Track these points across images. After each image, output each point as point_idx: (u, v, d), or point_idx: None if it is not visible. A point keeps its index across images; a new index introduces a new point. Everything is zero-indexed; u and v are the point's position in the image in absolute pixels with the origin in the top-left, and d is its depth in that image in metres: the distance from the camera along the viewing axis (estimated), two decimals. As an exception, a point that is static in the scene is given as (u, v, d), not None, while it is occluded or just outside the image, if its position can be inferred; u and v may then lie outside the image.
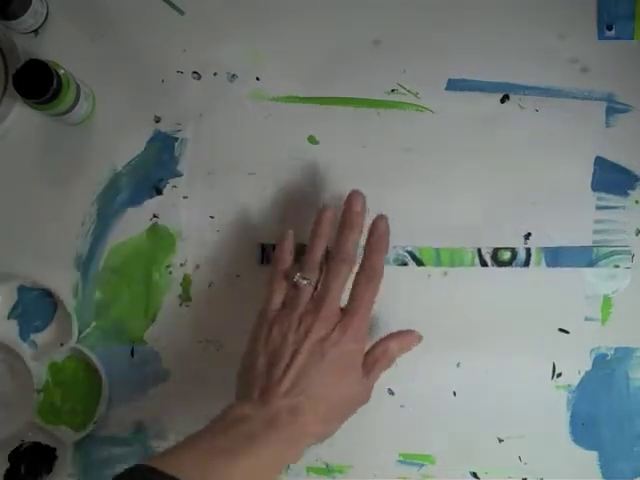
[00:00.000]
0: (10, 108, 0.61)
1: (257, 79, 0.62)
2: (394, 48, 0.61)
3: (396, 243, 0.60)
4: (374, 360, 0.54)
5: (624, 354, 0.60)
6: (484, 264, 0.60)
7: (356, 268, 0.54)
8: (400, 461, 0.60)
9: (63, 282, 0.61)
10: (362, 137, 0.61)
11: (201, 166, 0.62)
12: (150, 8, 0.62)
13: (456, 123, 0.61)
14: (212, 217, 0.61)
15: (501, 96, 0.61)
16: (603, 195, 0.60)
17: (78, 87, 0.58)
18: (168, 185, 0.62)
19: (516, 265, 0.60)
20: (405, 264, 0.60)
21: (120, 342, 0.61)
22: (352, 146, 0.61)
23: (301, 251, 0.56)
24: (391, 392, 0.60)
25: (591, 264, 0.60)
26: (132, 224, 0.61)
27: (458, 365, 0.60)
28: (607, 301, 0.60)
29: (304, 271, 0.54)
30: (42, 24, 0.62)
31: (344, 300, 0.54)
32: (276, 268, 0.55)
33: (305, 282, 0.53)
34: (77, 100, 0.58)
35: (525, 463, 0.60)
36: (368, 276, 0.53)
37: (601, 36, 0.61)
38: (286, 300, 0.54)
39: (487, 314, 0.60)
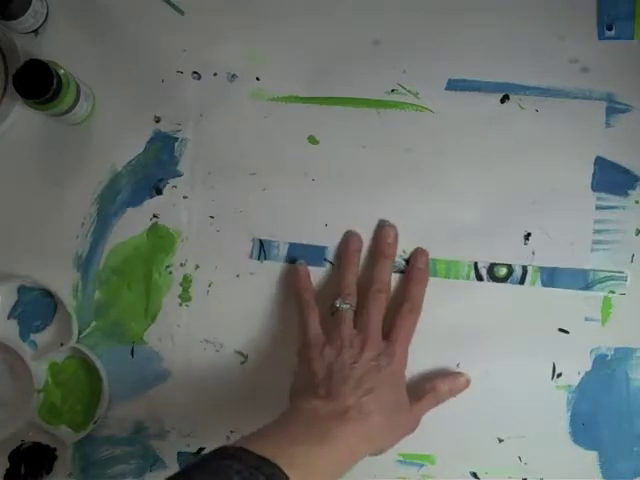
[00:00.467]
0: (10, 108, 0.61)
1: (257, 79, 0.62)
2: (394, 48, 0.61)
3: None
4: (422, 393, 0.57)
5: (624, 354, 0.60)
6: (480, 279, 0.60)
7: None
8: (400, 461, 0.60)
9: (63, 282, 0.61)
10: (362, 137, 0.61)
11: (201, 166, 0.62)
12: (150, 8, 0.62)
13: (456, 123, 0.61)
14: (212, 217, 0.61)
15: (501, 96, 0.61)
16: (603, 195, 0.60)
17: (78, 87, 0.58)
18: (168, 185, 0.62)
19: (512, 282, 0.60)
20: (402, 271, 0.60)
21: (120, 342, 0.61)
22: (352, 146, 0.61)
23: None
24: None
25: (587, 287, 0.60)
26: (132, 224, 0.61)
27: (458, 365, 0.60)
28: (607, 301, 0.60)
29: (343, 296, 0.57)
30: (42, 24, 0.62)
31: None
32: (303, 297, 0.58)
33: (347, 307, 0.56)
34: (77, 100, 0.58)
35: (525, 463, 0.60)
36: (409, 307, 0.57)
37: (601, 36, 0.61)
38: (328, 326, 0.56)
39: (487, 314, 0.60)
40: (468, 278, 0.60)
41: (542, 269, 0.60)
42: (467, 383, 0.59)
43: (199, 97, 0.62)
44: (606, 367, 0.60)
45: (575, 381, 0.60)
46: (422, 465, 0.60)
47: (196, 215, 0.61)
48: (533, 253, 0.60)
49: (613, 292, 0.60)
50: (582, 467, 0.60)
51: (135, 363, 0.61)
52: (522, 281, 0.60)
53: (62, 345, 0.61)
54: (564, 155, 0.61)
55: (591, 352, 0.60)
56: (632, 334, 0.60)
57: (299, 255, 0.61)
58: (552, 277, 0.60)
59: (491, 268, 0.60)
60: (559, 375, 0.60)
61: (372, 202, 0.61)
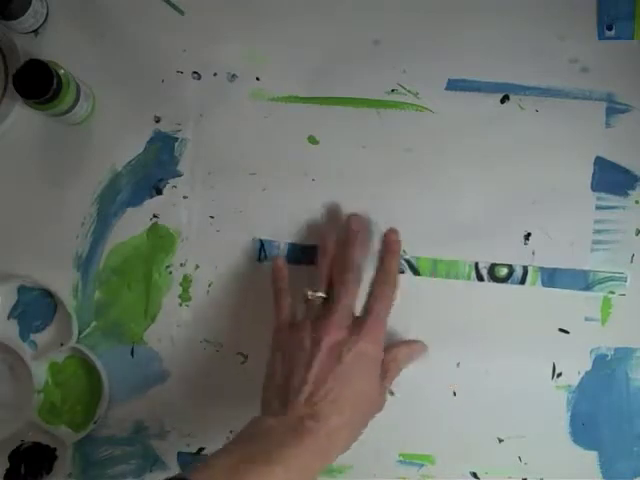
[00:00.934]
0: (10, 108, 0.61)
1: (257, 79, 0.62)
2: (394, 48, 0.61)
3: (396, 243, 0.60)
4: (385, 368, 0.55)
5: (624, 354, 0.60)
6: (480, 279, 0.60)
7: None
8: (400, 461, 0.60)
9: (63, 282, 0.61)
10: (362, 137, 0.61)
11: (201, 166, 0.62)
12: (150, 8, 0.62)
13: (456, 123, 0.61)
14: (212, 217, 0.61)
15: (501, 96, 0.61)
16: (603, 195, 0.60)
17: (78, 87, 0.58)
18: (168, 185, 0.62)
19: (512, 282, 0.60)
20: (402, 272, 0.60)
21: (120, 342, 0.61)
22: (352, 146, 0.61)
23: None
24: (391, 392, 0.60)
25: (587, 288, 0.60)
26: (132, 224, 0.61)
27: (458, 365, 0.60)
28: (607, 301, 0.60)
29: (314, 285, 0.56)
30: (42, 24, 0.62)
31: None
32: (276, 284, 0.58)
33: (316, 294, 0.55)
34: (77, 100, 0.58)
35: (525, 463, 0.60)
36: (381, 279, 0.56)
37: (601, 36, 0.61)
38: (299, 314, 0.56)
39: (487, 314, 0.60)
40: (468, 278, 0.60)
41: (542, 269, 0.60)
42: (423, 347, 0.58)
43: (199, 97, 0.62)
44: (606, 367, 0.60)
45: (575, 381, 0.60)
46: (422, 465, 0.60)
47: (196, 215, 0.61)
48: (533, 253, 0.61)
49: (613, 292, 0.60)
50: (582, 467, 0.60)
51: (135, 363, 0.61)
52: (522, 281, 0.60)
53: (62, 345, 0.61)
54: (564, 155, 0.61)
55: (591, 352, 0.60)
56: (632, 334, 0.60)
57: (299, 255, 0.61)
58: (552, 277, 0.60)
59: (492, 268, 0.60)
60: (559, 375, 0.60)
61: (372, 202, 0.61)
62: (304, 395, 0.50)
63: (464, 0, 0.61)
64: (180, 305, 0.61)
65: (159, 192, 0.62)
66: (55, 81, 0.55)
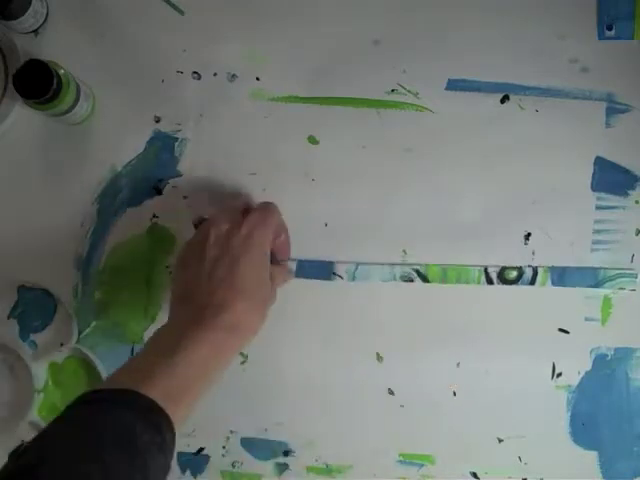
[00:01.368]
0: (10, 108, 0.61)
1: (257, 79, 0.62)
2: (394, 48, 0.61)
3: (396, 242, 0.60)
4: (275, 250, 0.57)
5: (624, 354, 0.60)
6: (490, 282, 0.60)
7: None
8: (400, 461, 0.60)
9: (63, 282, 0.61)
10: (362, 137, 0.61)
11: (201, 166, 0.62)
12: (150, 8, 0.62)
13: (456, 123, 0.61)
14: (212, 217, 0.61)
15: (501, 96, 0.61)
16: (603, 195, 0.60)
17: (78, 87, 0.58)
18: (168, 185, 0.62)
19: (522, 284, 0.60)
20: (411, 280, 0.60)
21: (120, 342, 0.61)
22: (352, 146, 0.61)
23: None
24: (391, 392, 0.60)
25: (597, 285, 0.60)
26: (132, 224, 0.61)
27: (458, 365, 0.60)
28: (607, 301, 0.60)
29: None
30: (42, 24, 0.62)
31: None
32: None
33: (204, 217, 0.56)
34: (77, 100, 0.58)
35: (525, 463, 0.60)
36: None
37: (601, 36, 0.61)
38: None
39: (487, 314, 0.60)
40: (478, 282, 0.60)
41: (552, 269, 0.60)
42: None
43: (199, 97, 0.62)
44: (606, 367, 0.60)
45: (575, 381, 0.60)
46: (422, 465, 0.60)
47: (196, 215, 0.61)
48: (533, 253, 0.61)
49: (623, 289, 0.60)
50: (582, 467, 0.60)
51: (135, 363, 0.61)
52: (533, 282, 0.60)
53: (62, 345, 0.61)
54: (564, 155, 0.61)
55: (591, 352, 0.60)
56: (632, 334, 0.60)
57: (306, 271, 0.61)
58: (562, 277, 0.60)
59: (501, 272, 0.60)
60: (559, 375, 0.60)
61: (372, 202, 0.61)
62: (203, 284, 0.51)
63: (464, 0, 0.61)
64: (180, 305, 0.61)
65: (159, 192, 0.62)
66: (55, 81, 0.55)
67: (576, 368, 0.60)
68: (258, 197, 0.61)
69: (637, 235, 0.60)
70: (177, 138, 0.62)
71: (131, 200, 0.62)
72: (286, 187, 0.61)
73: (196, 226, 0.56)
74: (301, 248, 0.61)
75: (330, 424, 0.60)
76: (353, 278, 0.60)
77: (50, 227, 0.61)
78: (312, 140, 0.62)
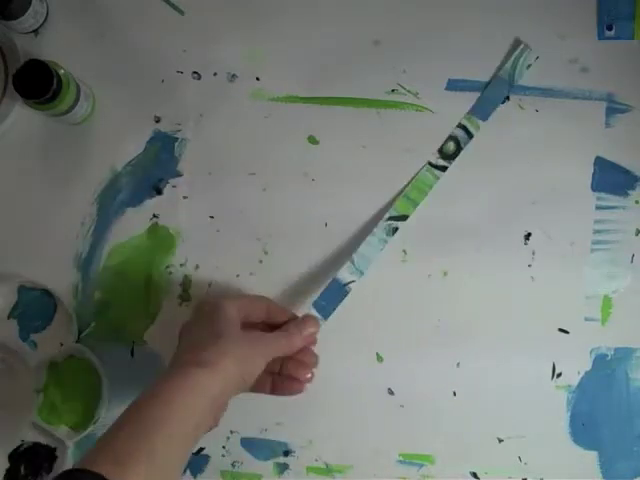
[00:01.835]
0: (10, 108, 0.61)
1: (257, 79, 0.62)
2: (394, 48, 0.61)
3: (396, 242, 0.60)
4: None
5: (624, 354, 0.60)
6: (441, 168, 0.60)
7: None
8: (400, 461, 0.60)
9: (63, 282, 0.61)
10: (362, 137, 0.61)
11: (201, 166, 0.62)
12: (150, 8, 0.62)
13: (456, 123, 0.61)
14: (212, 217, 0.61)
15: (501, 96, 0.61)
16: (603, 195, 0.60)
17: (78, 87, 0.58)
18: (168, 185, 0.62)
19: (464, 146, 0.60)
20: (396, 228, 0.60)
21: (120, 342, 0.61)
22: (352, 146, 0.61)
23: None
24: (391, 392, 0.60)
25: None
26: (132, 224, 0.61)
27: (458, 365, 0.60)
28: (607, 301, 0.60)
29: None
30: (42, 24, 0.62)
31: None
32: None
33: None
34: (77, 100, 0.58)
35: (525, 463, 0.60)
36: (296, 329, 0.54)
37: (601, 36, 0.61)
38: None
39: (487, 314, 0.60)
40: (434, 179, 0.60)
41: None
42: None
43: (199, 97, 0.62)
44: (606, 367, 0.60)
45: (575, 381, 0.60)
46: (422, 465, 0.60)
47: (196, 215, 0.61)
48: (533, 253, 0.61)
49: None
50: (582, 467, 0.60)
51: (135, 363, 0.61)
52: (470, 136, 0.60)
53: (62, 345, 0.61)
54: (564, 155, 0.61)
55: (591, 352, 0.60)
56: (632, 334, 0.60)
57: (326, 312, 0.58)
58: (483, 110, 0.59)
59: (441, 151, 0.60)
60: (559, 375, 0.60)
61: (372, 202, 0.61)
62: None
63: (464, 0, 0.61)
64: (180, 305, 0.61)
65: (159, 192, 0.62)
66: (55, 81, 0.55)
67: (576, 368, 0.60)
68: (258, 197, 0.61)
69: (637, 235, 0.60)
70: (177, 138, 0.62)
71: (131, 200, 0.62)
72: (286, 187, 0.61)
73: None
74: (301, 248, 0.61)
75: (330, 424, 0.60)
76: (361, 274, 0.59)
77: (50, 227, 0.61)
78: (312, 140, 0.62)
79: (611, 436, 0.60)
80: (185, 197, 0.62)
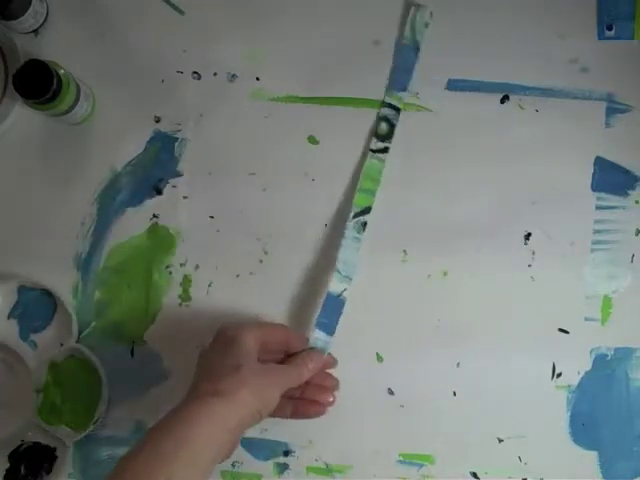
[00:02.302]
0: (10, 108, 0.61)
1: (257, 79, 0.62)
2: (394, 48, 0.61)
3: (396, 242, 0.60)
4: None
5: (624, 354, 0.60)
6: (381, 151, 0.60)
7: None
8: (400, 461, 0.60)
9: (63, 282, 0.61)
10: (362, 137, 0.61)
11: (201, 166, 0.62)
12: (150, 8, 0.62)
13: (456, 123, 0.61)
14: (212, 217, 0.61)
15: (501, 96, 0.61)
16: (603, 195, 0.60)
17: (78, 87, 0.58)
18: (168, 185, 0.62)
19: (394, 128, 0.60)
20: (365, 223, 0.59)
21: (120, 342, 0.61)
22: (352, 146, 0.61)
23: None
24: (391, 392, 0.60)
25: None
26: (132, 224, 0.61)
27: (458, 365, 0.60)
28: (607, 301, 0.60)
29: None
30: (42, 24, 0.62)
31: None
32: None
33: None
34: (77, 100, 0.58)
35: (525, 463, 0.60)
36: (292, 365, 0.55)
37: (601, 36, 0.61)
38: None
39: (487, 314, 0.60)
40: (378, 173, 0.60)
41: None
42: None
43: (199, 97, 0.62)
44: (606, 367, 0.60)
45: (575, 381, 0.60)
46: (422, 465, 0.60)
47: (196, 215, 0.61)
48: (533, 253, 0.61)
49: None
50: (582, 467, 0.60)
51: (135, 363, 0.61)
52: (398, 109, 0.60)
53: (62, 345, 0.61)
54: (564, 155, 0.61)
55: (591, 352, 0.60)
56: (632, 334, 0.60)
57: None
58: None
59: (377, 134, 0.60)
60: (559, 375, 0.60)
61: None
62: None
63: (464, 0, 0.61)
64: (180, 305, 0.61)
65: (159, 192, 0.62)
66: (55, 81, 0.55)
67: (576, 368, 0.60)
68: (258, 197, 0.61)
69: (637, 235, 0.60)
70: (177, 138, 0.62)
71: (131, 200, 0.62)
72: (286, 187, 0.61)
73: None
74: (301, 248, 0.61)
75: (330, 424, 0.60)
76: (350, 280, 0.59)
77: (50, 227, 0.61)
78: (312, 140, 0.62)
79: (611, 436, 0.60)
80: (185, 197, 0.62)
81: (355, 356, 0.60)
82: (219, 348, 0.53)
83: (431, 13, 0.60)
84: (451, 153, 0.61)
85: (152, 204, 0.62)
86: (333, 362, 0.58)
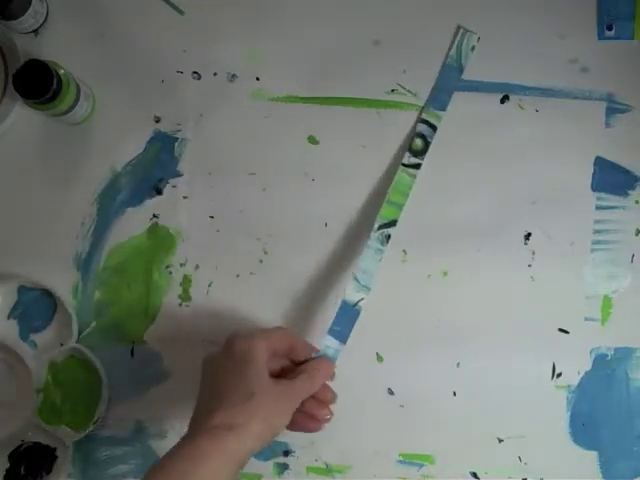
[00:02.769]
0: (10, 108, 0.61)
1: (257, 79, 0.62)
2: (394, 48, 0.61)
3: (396, 242, 0.60)
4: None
5: (624, 354, 0.60)
6: (413, 166, 0.60)
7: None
8: (400, 461, 0.60)
9: (63, 282, 0.61)
10: (362, 137, 0.61)
11: (201, 166, 0.62)
12: (150, 8, 0.62)
13: (456, 123, 0.61)
14: (212, 217, 0.61)
15: (501, 96, 0.61)
16: (603, 195, 0.60)
17: (78, 87, 0.58)
18: (168, 185, 0.62)
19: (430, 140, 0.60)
20: (389, 236, 0.58)
21: (120, 342, 0.61)
22: (352, 146, 0.61)
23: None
24: (391, 392, 0.60)
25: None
26: (132, 224, 0.61)
27: (458, 365, 0.60)
28: (607, 301, 0.60)
29: None
30: (42, 24, 0.62)
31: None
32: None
33: None
34: (77, 100, 0.58)
35: (525, 463, 0.60)
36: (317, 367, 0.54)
37: (601, 36, 0.61)
38: None
39: (487, 314, 0.60)
40: (411, 178, 0.60)
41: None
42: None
43: (199, 97, 0.62)
44: (606, 367, 0.60)
45: (575, 381, 0.60)
46: (422, 465, 0.60)
47: (196, 215, 0.61)
48: (533, 253, 0.61)
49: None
50: (582, 467, 0.60)
51: (135, 363, 0.61)
52: (433, 126, 0.60)
53: (62, 345, 0.61)
54: (564, 155, 0.61)
55: (591, 352, 0.60)
56: (632, 334, 0.60)
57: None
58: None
59: (411, 147, 0.60)
60: (559, 375, 0.60)
61: (372, 202, 0.61)
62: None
63: (464, 0, 0.61)
64: (180, 305, 0.61)
65: (159, 192, 0.62)
66: (55, 81, 0.55)
67: (576, 368, 0.60)
68: (258, 197, 0.61)
69: (637, 235, 0.60)
70: (177, 138, 0.62)
71: (131, 200, 0.62)
72: (286, 187, 0.61)
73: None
74: (301, 248, 0.61)
75: (330, 424, 0.60)
76: (368, 289, 0.57)
77: (50, 227, 0.61)
78: (312, 140, 0.62)
79: (611, 436, 0.60)
80: (185, 197, 0.62)
81: (355, 356, 0.60)
82: (230, 367, 0.51)
83: (479, 38, 0.61)
84: (451, 153, 0.61)
85: (152, 204, 0.62)
86: (334, 374, 0.56)
